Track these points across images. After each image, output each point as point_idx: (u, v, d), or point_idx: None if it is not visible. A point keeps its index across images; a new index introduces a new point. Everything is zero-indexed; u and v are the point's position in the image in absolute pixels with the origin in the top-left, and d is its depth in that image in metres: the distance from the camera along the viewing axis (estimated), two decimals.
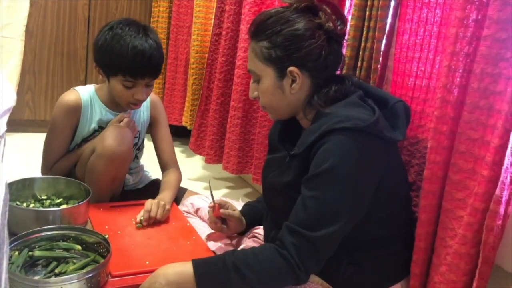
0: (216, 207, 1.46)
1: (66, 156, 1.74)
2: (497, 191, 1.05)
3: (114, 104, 1.75)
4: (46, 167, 1.75)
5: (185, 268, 1.15)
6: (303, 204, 1.14)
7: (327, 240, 1.13)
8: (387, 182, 1.19)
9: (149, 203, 1.59)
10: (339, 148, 1.12)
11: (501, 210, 1.06)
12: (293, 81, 1.23)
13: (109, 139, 1.59)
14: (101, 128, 1.74)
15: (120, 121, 1.70)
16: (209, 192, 1.53)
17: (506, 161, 1.04)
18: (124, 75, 1.61)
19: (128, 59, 1.59)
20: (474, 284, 1.10)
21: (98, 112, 1.74)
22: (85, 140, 1.74)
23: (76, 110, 1.71)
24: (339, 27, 1.23)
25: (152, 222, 1.57)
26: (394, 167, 1.24)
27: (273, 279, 1.13)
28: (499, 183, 1.05)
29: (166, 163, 1.86)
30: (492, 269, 1.10)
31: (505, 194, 1.05)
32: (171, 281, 1.13)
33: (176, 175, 1.83)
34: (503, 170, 1.04)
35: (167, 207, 1.61)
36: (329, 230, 1.11)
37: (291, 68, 1.21)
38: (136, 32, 1.62)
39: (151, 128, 1.90)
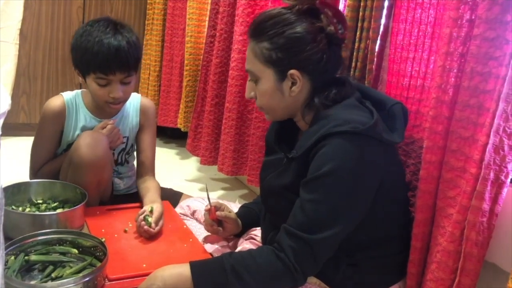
0: (212, 209, 1.46)
1: (52, 161, 1.73)
2: (479, 187, 1.06)
3: (99, 110, 1.73)
4: (33, 171, 1.75)
5: (183, 269, 1.15)
6: (302, 207, 1.14)
7: (325, 243, 1.13)
8: (386, 184, 1.18)
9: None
10: (338, 152, 1.12)
11: (485, 206, 1.07)
12: (293, 84, 1.22)
13: (82, 148, 1.56)
14: None
15: (103, 128, 1.67)
16: (205, 193, 1.53)
17: (487, 158, 1.05)
18: (95, 71, 1.59)
19: (95, 54, 1.56)
20: (456, 280, 1.11)
21: (83, 118, 1.73)
22: (71, 145, 1.72)
23: (60, 116, 1.70)
24: (340, 31, 1.22)
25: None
26: (392, 169, 1.24)
27: (270, 281, 1.13)
28: (480, 179, 1.06)
29: (146, 170, 1.82)
30: (479, 266, 1.10)
31: (488, 190, 1.06)
32: (168, 283, 1.13)
33: (157, 183, 1.80)
34: (483, 166, 1.05)
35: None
36: (327, 233, 1.11)
37: (292, 71, 1.21)
38: (104, 27, 1.60)
39: (137, 132, 1.86)
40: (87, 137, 1.59)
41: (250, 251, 1.18)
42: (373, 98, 1.28)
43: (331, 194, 1.12)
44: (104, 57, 1.56)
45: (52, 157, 1.75)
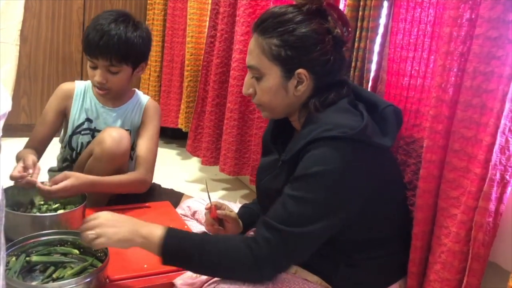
0: (213, 208, 1.45)
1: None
2: (486, 188, 1.06)
3: (105, 98, 1.79)
4: (27, 143, 1.76)
5: (155, 233, 1.18)
6: (283, 202, 1.15)
7: (302, 239, 1.12)
8: (380, 186, 1.18)
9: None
10: (326, 157, 1.12)
11: (491, 207, 1.06)
12: (299, 83, 1.22)
13: (108, 141, 1.60)
14: (88, 120, 1.78)
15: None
16: (205, 194, 1.53)
17: (494, 158, 1.04)
18: (85, 53, 1.69)
19: (86, 36, 1.66)
20: (465, 281, 1.10)
21: (88, 103, 1.79)
22: (75, 133, 1.78)
23: (67, 96, 1.78)
24: (345, 34, 1.22)
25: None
26: (386, 171, 1.24)
27: (232, 266, 1.13)
28: (487, 180, 1.05)
29: (137, 165, 1.79)
30: (485, 266, 1.10)
31: (495, 191, 1.06)
32: (138, 242, 1.18)
33: (134, 175, 1.72)
34: (490, 167, 1.05)
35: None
36: (305, 229, 1.11)
37: (300, 70, 1.20)
38: (110, 15, 1.68)
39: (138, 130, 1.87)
40: (112, 131, 1.64)
41: (229, 235, 1.19)
42: (366, 100, 1.28)
43: (314, 193, 1.12)
44: (91, 40, 1.64)
45: (49, 136, 1.77)
